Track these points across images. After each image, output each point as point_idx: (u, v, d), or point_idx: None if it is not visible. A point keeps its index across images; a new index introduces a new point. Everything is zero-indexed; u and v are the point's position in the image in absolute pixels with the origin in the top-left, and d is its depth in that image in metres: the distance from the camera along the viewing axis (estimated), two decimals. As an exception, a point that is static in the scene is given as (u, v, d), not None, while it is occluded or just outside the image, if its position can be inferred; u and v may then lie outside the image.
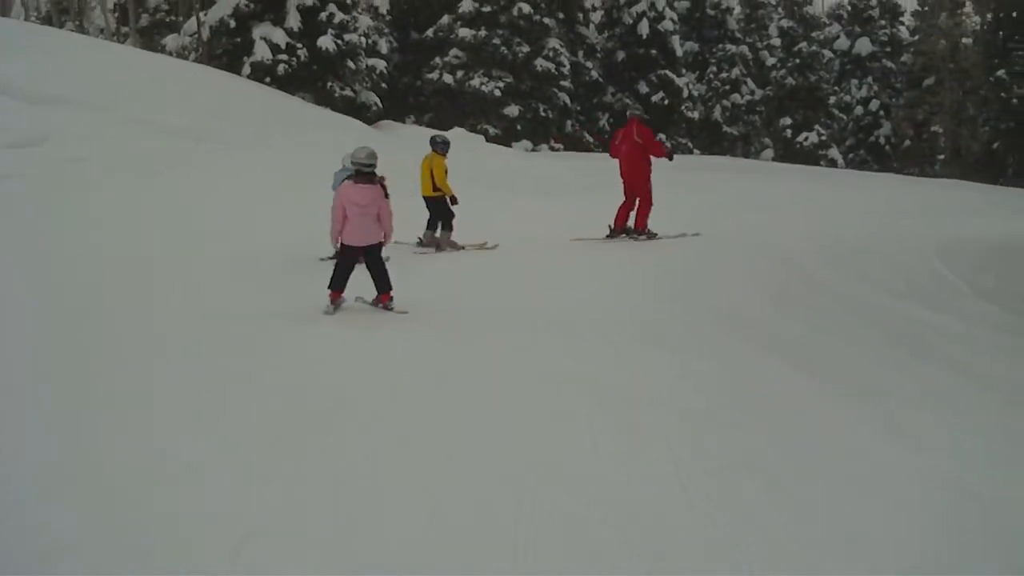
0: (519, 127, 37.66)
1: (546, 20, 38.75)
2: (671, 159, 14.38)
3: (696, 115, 46.50)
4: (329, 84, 29.98)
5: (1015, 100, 43.78)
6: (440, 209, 13.75)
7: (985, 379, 7.69)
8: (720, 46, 50.99)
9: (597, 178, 23.07)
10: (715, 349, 8.07)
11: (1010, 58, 45.34)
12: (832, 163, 47.79)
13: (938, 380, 7.56)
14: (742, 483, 4.98)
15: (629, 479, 4.96)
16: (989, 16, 49.44)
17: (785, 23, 53.00)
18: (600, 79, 44.42)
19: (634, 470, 5.07)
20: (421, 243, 13.87)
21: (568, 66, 39.68)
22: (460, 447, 5.35)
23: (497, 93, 36.94)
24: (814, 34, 53.10)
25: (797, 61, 49.98)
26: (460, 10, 37.63)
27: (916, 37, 55.61)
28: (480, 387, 6.48)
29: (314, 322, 8.73)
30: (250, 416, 5.77)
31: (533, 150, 36.88)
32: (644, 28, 43.86)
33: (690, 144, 45.86)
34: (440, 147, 14.02)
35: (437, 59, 38.18)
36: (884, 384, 7.24)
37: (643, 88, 44.43)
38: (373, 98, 31.34)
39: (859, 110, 52.89)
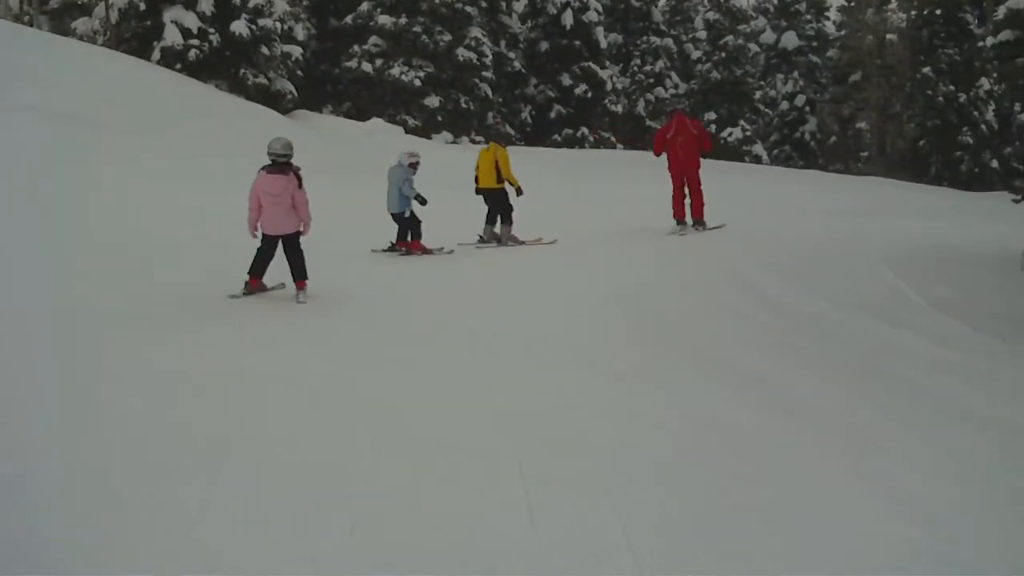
0: (439, 118, 37.43)
1: (468, 8, 38.45)
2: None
3: (620, 108, 46.70)
4: (242, 71, 29.31)
5: (940, 98, 44.29)
6: (501, 202, 14.36)
7: (981, 421, 6.88)
8: (644, 38, 51.32)
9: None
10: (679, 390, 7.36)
11: (935, 55, 45.93)
12: (757, 159, 48.12)
13: (927, 422, 6.80)
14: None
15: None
16: (914, 13, 49.99)
17: (711, 15, 53.30)
18: (523, 70, 44.35)
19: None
20: (482, 240, 14.46)
21: (490, 56, 39.56)
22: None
23: (417, 83, 36.65)
24: (740, 27, 53.34)
25: (723, 55, 50.29)
26: (379, -5, 36.93)
27: (843, 32, 56.21)
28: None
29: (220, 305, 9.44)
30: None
31: (453, 142, 36.52)
32: (568, 18, 43.97)
33: (613, 138, 45.72)
34: (504, 139, 14.96)
35: (356, 47, 37.67)
36: (870, 430, 6.50)
37: (566, 80, 44.56)
38: (288, 86, 30.71)
39: (784, 105, 53.45)
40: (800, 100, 53.12)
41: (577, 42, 44.37)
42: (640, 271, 12.20)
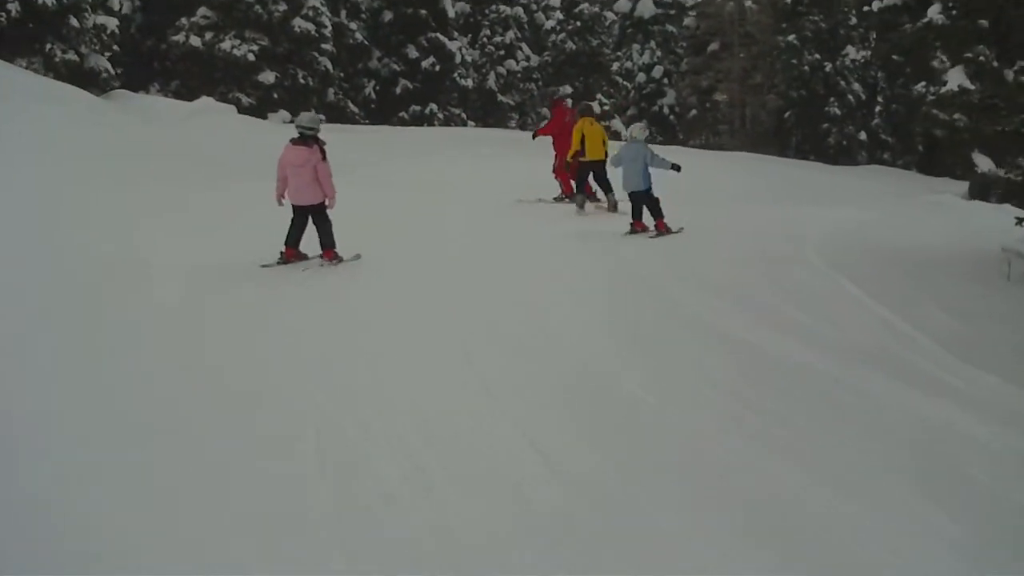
0: (276, 95, 36.19)
1: None
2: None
3: (470, 83, 45.76)
4: (49, 46, 27.04)
5: (806, 67, 44.52)
6: (605, 173, 16.30)
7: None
8: (493, 7, 50.82)
9: (365, 153, 21.56)
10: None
11: (800, 22, 46.07)
12: (616, 135, 47.50)
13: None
14: None
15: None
16: None
17: (565, -21, 52.42)
18: (366, 42, 43.51)
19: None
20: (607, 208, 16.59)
21: (330, 27, 38.36)
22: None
23: (251, 57, 35.19)
24: (596, -7, 52.66)
25: (578, 24, 49.75)
26: (210, -37, 35.27)
27: (700, -1, 56.05)
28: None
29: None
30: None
31: (291, 121, 34.57)
32: None
33: (464, 115, 44.84)
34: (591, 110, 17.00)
35: (183, 19, 35.89)
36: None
37: (412, 52, 43.99)
38: (104, 63, 28.48)
39: (641, 77, 53.35)
40: (658, 72, 53.26)
41: (423, 11, 43.71)
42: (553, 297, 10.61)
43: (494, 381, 7.46)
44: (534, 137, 19.12)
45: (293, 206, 11.45)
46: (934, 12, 22.12)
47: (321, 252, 11.57)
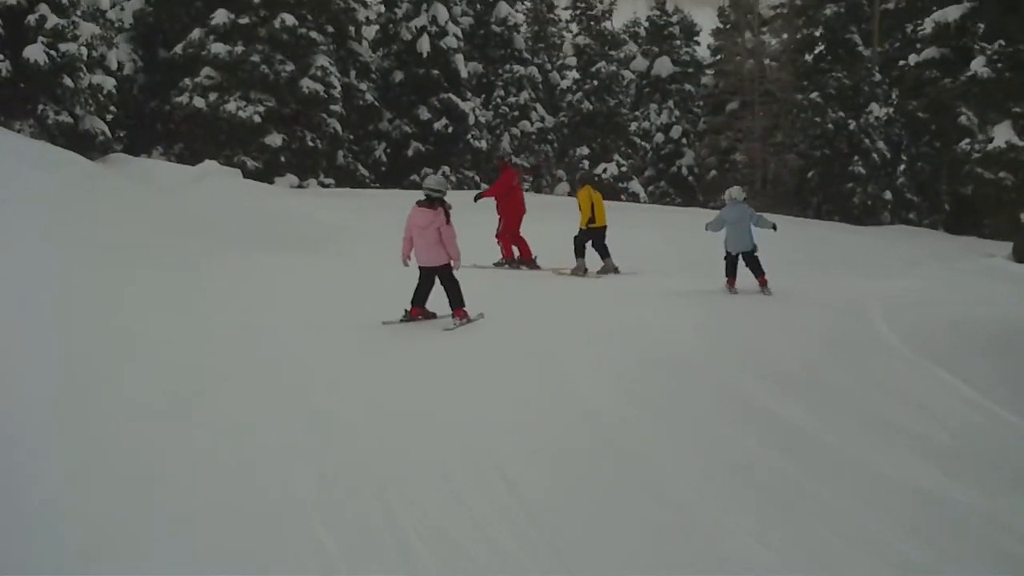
0: (283, 159, 35.36)
1: (313, 34, 36.56)
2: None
3: (483, 144, 44.86)
4: (42, 107, 26.06)
5: (830, 125, 43.54)
6: (604, 237, 16.76)
7: None
8: (507, 67, 49.99)
9: (372, 219, 20.54)
10: None
11: (823, 79, 45.32)
12: (634, 197, 46.92)
13: None
14: None
15: None
16: (798, 34, 49.61)
17: (581, 40, 52.07)
18: (376, 103, 42.70)
19: None
20: (602, 272, 16.64)
21: (339, 88, 37.60)
22: None
23: (257, 119, 34.42)
24: (613, 52, 52.04)
25: (595, 83, 49.03)
26: (212, 22, 34.83)
27: (718, 57, 55.37)
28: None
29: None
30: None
31: (300, 186, 34.80)
32: (424, 45, 42.49)
33: (477, 177, 43.91)
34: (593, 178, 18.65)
35: (187, 80, 35.20)
36: None
37: (424, 114, 43.19)
38: (100, 125, 27.42)
39: (659, 137, 52.45)
40: (676, 131, 52.38)
41: (435, 71, 42.95)
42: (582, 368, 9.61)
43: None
44: (476, 199, 18.51)
45: (420, 267, 11.91)
46: (978, 65, 21.03)
47: (452, 312, 11.85)
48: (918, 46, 46.61)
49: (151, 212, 18.70)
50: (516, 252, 17.77)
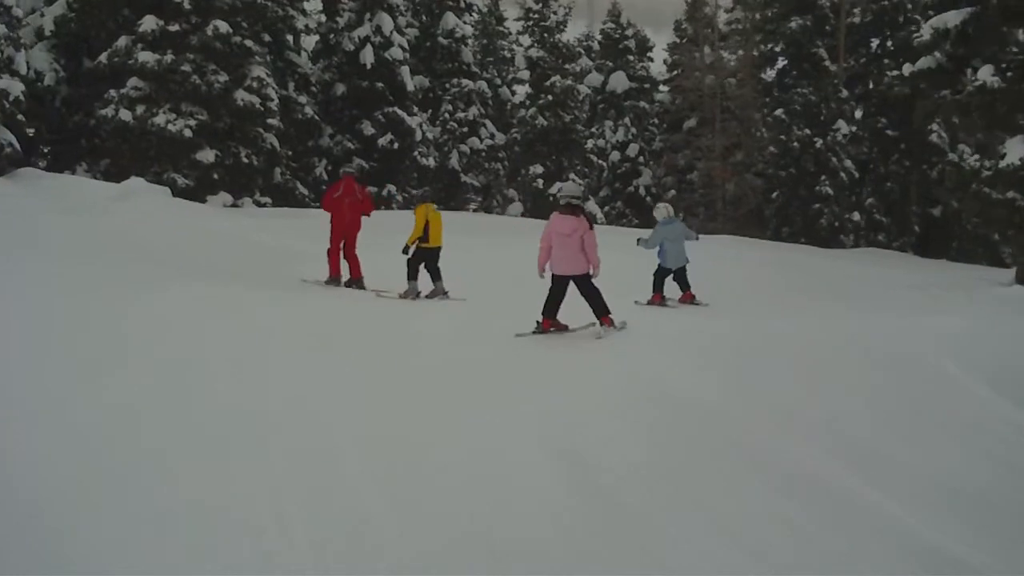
0: (216, 176, 33.61)
1: (248, 43, 34.96)
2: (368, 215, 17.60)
3: (431, 161, 43.56)
4: (-67, 117, 24.11)
5: (795, 143, 42.59)
6: (437, 259, 16.45)
7: None
8: (455, 81, 48.84)
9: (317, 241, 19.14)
10: None
11: (786, 96, 44.58)
12: (592, 218, 45.20)
13: None
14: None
15: None
16: (755, 50, 48.94)
17: (534, 52, 50.70)
18: (316, 117, 41.28)
19: None
20: (431, 295, 16.22)
21: (276, 101, 36.02)
22: None
23: (188, 133, 32.66)
24: (567, 66, 50.82)
25: (549, 97, 47.71)
26: (140, 29, 33.03)
27: (676, 72, 54.38)
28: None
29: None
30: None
31: (234, 205, 33.20)
32: (368, 56, 41.35)
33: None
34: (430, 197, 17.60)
35: (112, 91, 33.32)
36: None
37: (368, 129, 41.99)
38: (6, 135, 25.16)
39: (615, 156, 51.33)
40: (633, 149, 51.32)
41: (379, 84, 41.85)
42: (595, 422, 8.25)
43: None
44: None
45: (554, 276, 12.02)
46: (986, 74, 19.75)
47: (598, 319, 12.05)
48: (886, 61, 46.48)
49: (66, 234, 16.94)
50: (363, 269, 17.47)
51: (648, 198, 50.82)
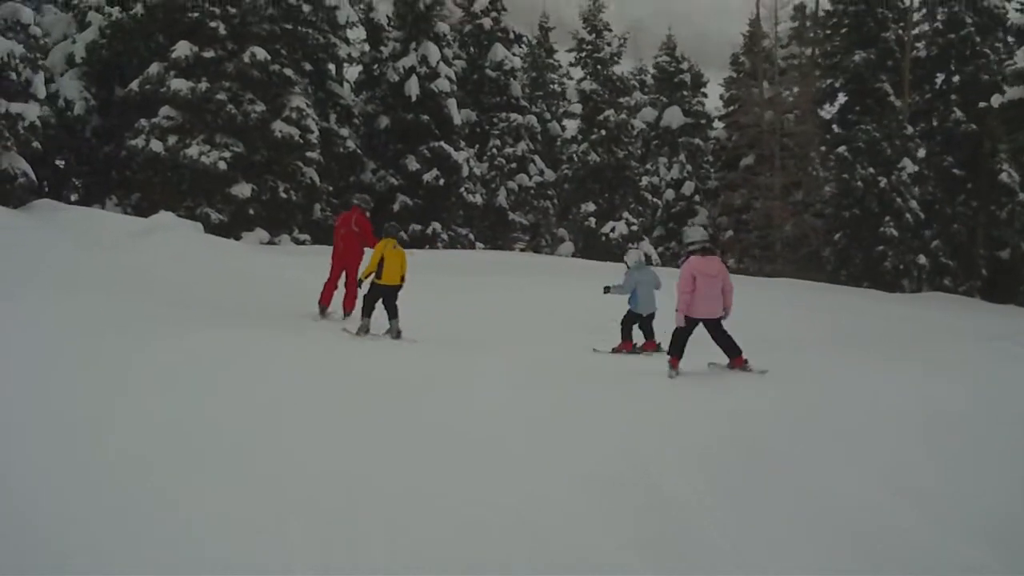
0: (252, 211, 32.61)
1: (288, 71, 34.13)
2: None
3: (478, 199, 42.31)
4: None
5: (859, 182, 40.82)
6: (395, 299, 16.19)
7: None
8: (503, 115, 47.71)
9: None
10: None
11: (850, 133, 42.96)
12: (646, 259, 43.69)
13: None
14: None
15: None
16: (834, 82, 47.59)
17: (587, 85, 49.09)
18: (358, 151, 39.98)
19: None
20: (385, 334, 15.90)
21: (317, 132, 34.96)
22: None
23: (222, 166, 31.67)
24: (621, 100, 49.24)
25: (602, 132, 46.18)
26: (173, 55, 32.06)
27: (732, 108, 52.80)
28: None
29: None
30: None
31: (270, 242, 32.15)
32: (413, 88, 40.01)
33: (471, 235, 41.13)
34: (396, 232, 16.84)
35: (143, 120, 32.32)
36: None
37: (412, 164, 40.53)
38: (21, 164, 23.63)
39: (670, 194, 49.74)
40: (688, 188, 49.68)
41: (425, 117, 40.45)
42: None
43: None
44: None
45: (690, 319, 12.29)
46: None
47: (730, 361, 12.37)
48: (953, 97, 45.07)
49: (64, 271, 15.45)
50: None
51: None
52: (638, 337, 16.22)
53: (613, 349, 15.84)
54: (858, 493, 7.63)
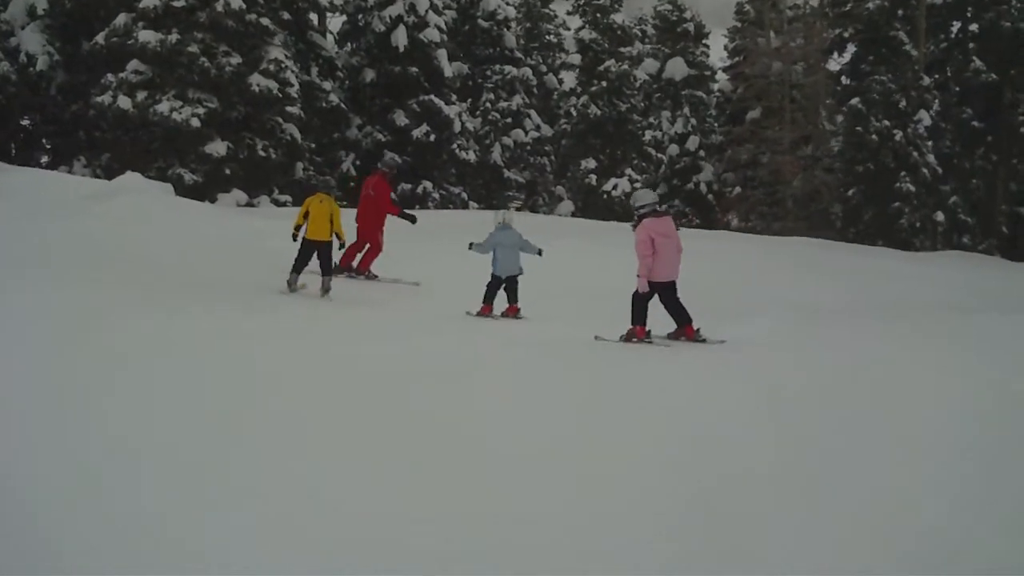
0: (228, 171, 31.44)
1: (265, 21, 32.71)
2: (413, 222, 18.18)
3: (471, 155, 41.38)
4: None
5: (874, 136, 39.33)
6: (330, 254, 15.95)
7: None
8: (496, 68, 46.83)
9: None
10: None
11: (863, 84, 41.52)
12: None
13: None
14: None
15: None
16: (847, 32, 46.19)
17: (586, 34, 47.86)
18: (343, 106, 38.75)
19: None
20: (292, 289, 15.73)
21: (297, 86, 33.76)
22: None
23: (195, 123, 30.47)
24: (623, 50, 47.92)
25: (603, 84, 44.89)
26: (141, 5, 30.88)
27: (737, 59, 51.39)
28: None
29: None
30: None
31: (248, 204, 31.07)
32: (401, 37, 38.59)
33: (464, 194, 39.94)
34: (334, 190, 18.11)
35: (110, 76, 31.16)
36: None
37: (401, 119, 39.18)
38: None
39: (674, 149, 48.32)
40: (693, 143, 48.28)
41: (413, 69, 39.15)
42: None
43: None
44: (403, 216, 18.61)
45: (652, 283, 11.90)
46: None
47: (677, 329, 12.13)
48: (971, 46, 43.82)
49: (35, 242, 14.06)
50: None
51: (710, 195, 48.21)
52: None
53: (478, 312, 15.40)
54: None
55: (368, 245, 17.75)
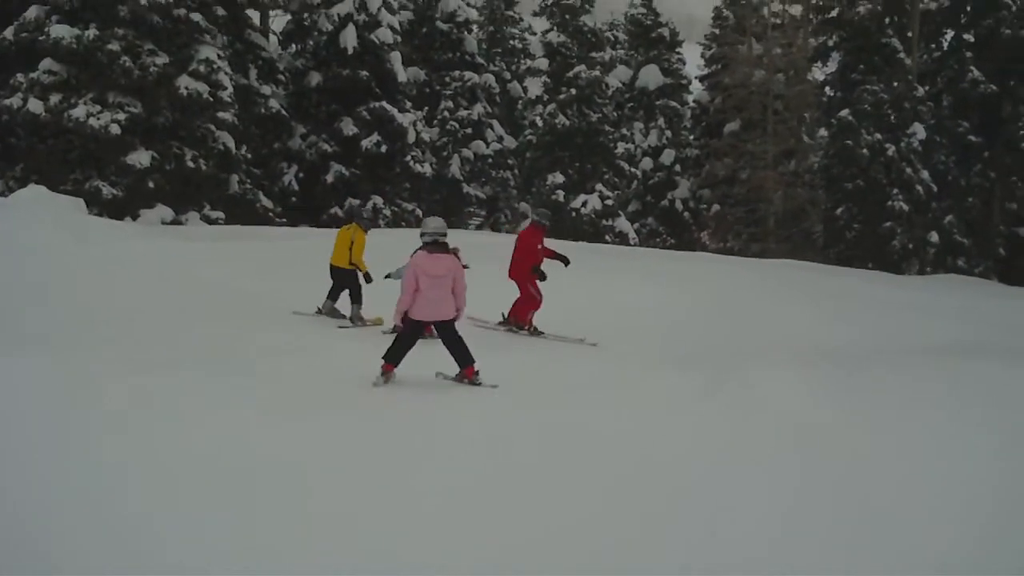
0: (152, 184, 29.73)
1: (195, 17, 31.02)
2: (566, 263, 17.26)
3: (427, 168, 40.22)
4: None
5: (864, 150, 37.99)
6: (352, 282, 16.39)
7: None
8: (456, 74, 45.99)
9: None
10: None
11: (855, 94, 40.27)
12: (622, 238, 41.47)
13: None
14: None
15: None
16: (832, 40, 46.57)
17: (555, 37, 46.53)
18: (284, 112, 37.12)
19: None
20: (319, 312, 16.69)
21: (231, 90, 31.92)
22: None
23: (115, 130, 28.67)
24: (594, 55, 46.61)
25: (572, 91, 43.30)
26: (55, -3, 29.65)
27: (716, 67, 50.08)
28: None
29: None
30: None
31: (175, 221, 29.61)
32: (350, 39, 37.37)
33: (418, 211, 39.50)
34: (365, 222, 17.08)
35: (19, 76, 29.46)
36: None
37: (349, 127, 37.94)
38: None
39: (647, 163, 47.05)
40: (668, 156, 46.96)
41: (364, 73, 37.74)
42: None
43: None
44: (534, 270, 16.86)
45: (415, 321, 11.62)
46: None
47: (462, 371, 11.62)
48: (968, 54, 42.62)
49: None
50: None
51: (686, 213, 47.25)
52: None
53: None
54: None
55: (520, 296, 16.94)
